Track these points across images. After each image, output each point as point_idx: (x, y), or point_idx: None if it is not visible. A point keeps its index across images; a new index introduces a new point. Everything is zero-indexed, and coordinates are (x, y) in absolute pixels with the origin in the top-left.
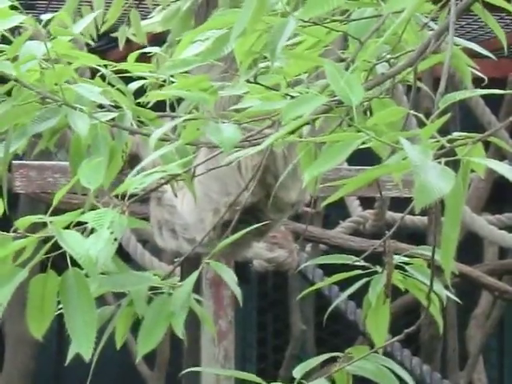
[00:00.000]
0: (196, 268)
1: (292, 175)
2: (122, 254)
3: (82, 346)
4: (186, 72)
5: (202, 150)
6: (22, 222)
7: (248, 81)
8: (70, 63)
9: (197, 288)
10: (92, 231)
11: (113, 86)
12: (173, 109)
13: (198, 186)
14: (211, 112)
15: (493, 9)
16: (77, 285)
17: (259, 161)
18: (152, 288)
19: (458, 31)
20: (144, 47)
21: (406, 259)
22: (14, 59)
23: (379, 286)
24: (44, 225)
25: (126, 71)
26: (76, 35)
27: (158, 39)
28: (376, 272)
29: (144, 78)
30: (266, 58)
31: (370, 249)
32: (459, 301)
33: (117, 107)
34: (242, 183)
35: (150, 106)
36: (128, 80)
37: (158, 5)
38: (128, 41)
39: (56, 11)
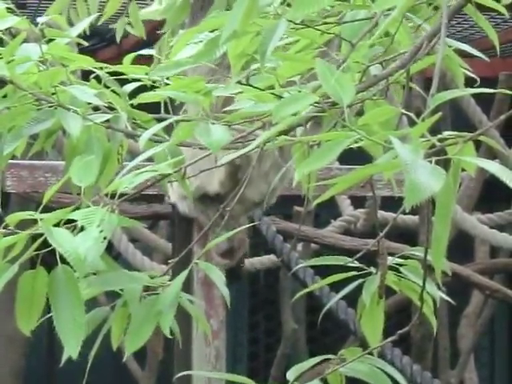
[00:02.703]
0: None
1: (262, 177)
2: (114, 253)
3: (70, 344)
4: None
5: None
6: (13, 219)
7: (240, 82)
8: (64, 65)
9: (188, 288)
10: (82, 229)
11: (108, 87)
12: (167, 110)
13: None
14: (202, 112)
15: (483, 8)
16: (66, 282)
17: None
18: (145, 289)
19: (449, 30)
20: (135, 46)
21: (400, 260)
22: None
23: (373, 287)
24: (34, 222)
25: (121, 73)
26: (71, 37)
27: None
28: (368, 273)
29: (139, 80)
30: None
31: (364, 249)
32: (452, 301)
33: (112, 109)
34: (214, 175)
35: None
36: (122, 81)
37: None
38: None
39: (74, 4)
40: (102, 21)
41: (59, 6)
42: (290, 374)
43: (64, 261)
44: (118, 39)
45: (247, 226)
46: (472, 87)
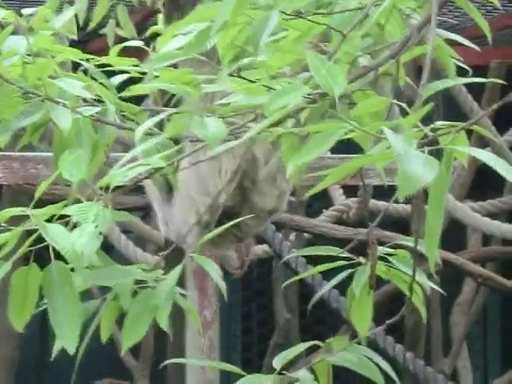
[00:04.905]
0: (180, 260)
1: (270, 182)
2: (105, 245)
3: (66, 339)
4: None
5: (188, 147)
6: (4, 215)
7: (231, 74)
8: (53, 57)
9: (181, 278)
10: (76, 224)
11: (95, 79)
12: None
13: (182, 187)
14: (196, 105)
15: None
16: (60, 278)
17: (239, 164)
18: (138, 281)
19: (440, 18)
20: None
21: (390, 250)
22: None
23: (363, 278)
24: (27, 216)
25: (109, 65)
26: (58, 29)
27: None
28: (359, 262)
29: (127, 72)
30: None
31: (355, 239)
32: (442, 291)
33: (100, 101)
34: (220, 185)
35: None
36: (110, 73)
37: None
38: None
39: (34, 3)
40: (92, 27)
41: (51, 7)
42: (277, 362)
43: (57, 256)
44: (110, 43)
45: (242, 218)
46: (464, 76)
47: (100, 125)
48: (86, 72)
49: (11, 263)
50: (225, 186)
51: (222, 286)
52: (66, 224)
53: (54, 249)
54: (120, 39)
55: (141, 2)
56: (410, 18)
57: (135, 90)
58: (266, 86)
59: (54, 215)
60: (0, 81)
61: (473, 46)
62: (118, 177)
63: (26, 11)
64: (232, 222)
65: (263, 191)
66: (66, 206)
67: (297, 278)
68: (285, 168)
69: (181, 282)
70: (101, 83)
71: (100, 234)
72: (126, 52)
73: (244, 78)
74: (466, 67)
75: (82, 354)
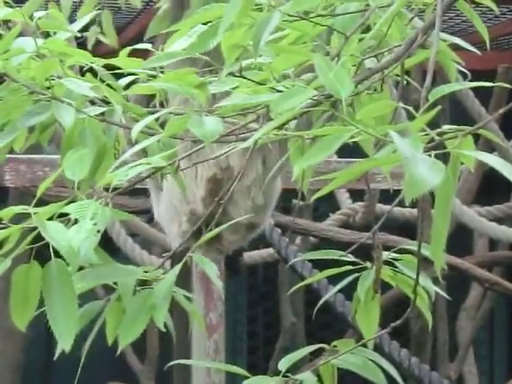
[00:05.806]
0: (185, 262)
1: (244, 194)
2: (114, 248)
3: (63, 336)
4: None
5: (181, 148)
6: (7, 213)
7: (233, 75)
8: (61, 60)
9: (187, 282)
10: (76, 222)
11: (103, 81)
12: (162, 104)
13: (166, 194)
14: (196, 105)
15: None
16: (59, 276)
17: (214, 172)
18: (142, 283)
19: (446, 23)
20: (133, 40)
21: (396, 255)
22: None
23: (368, 282)
24: (30, 216)
25: (117, 67)
26: (71, 31)
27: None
28: (366, 267)
29: (134, 74)
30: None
31: (358, 242)
32: (447, 296)
33: (108, 103)
34: (196, 193)
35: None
36: (119, 75)
37: (130, 4)
38: (116, 34)
39: (46, 6)
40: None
41: (31, 7)
42: (283, 365)
43: (57, 254)
44: (89, 46)
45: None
46: (470, 81)
47: (108, 127)
48: (94, 74)
49: (11, 260)
50: (202, 194)
51: (220, 285)
52: (68, 223)
53: (54, 247)
54: (130, 40)
55: (146, 4)
56: (411, 21)
57: (137, 89)
58: (271, 88)
59: (55, 214)
60: (7, 80)
61: (474, 49)
62: (119, 176)
63: (37, 14)
64: (212, 233)
65: (238, 203)
66: (67, 204)
67: (303, 283)
68: (261, 181)
69: (187, 286)
70: (108, 84)
71: (98, 231)
72: (134, 55)
73: (246, 78)
74: (466, 72)
75: (87, 358)
